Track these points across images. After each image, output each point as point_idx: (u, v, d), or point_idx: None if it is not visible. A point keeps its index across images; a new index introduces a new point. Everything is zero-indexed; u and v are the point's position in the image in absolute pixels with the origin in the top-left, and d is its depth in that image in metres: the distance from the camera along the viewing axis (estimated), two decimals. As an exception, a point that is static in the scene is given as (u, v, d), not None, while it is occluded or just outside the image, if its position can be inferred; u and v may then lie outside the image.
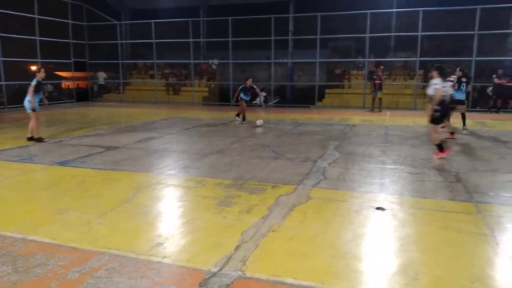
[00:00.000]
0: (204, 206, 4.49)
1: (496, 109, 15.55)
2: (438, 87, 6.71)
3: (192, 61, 20.42)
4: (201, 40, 21.78)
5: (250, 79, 12.23)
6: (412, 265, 3.10)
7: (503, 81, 14.58)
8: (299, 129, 10.74)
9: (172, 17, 20.05)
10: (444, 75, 7.01)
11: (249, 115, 12.53)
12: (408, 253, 3.32)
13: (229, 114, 15.15)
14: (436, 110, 6.79)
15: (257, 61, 19.91)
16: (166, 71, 21.66)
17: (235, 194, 4.89)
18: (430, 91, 6.94)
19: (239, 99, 12.11)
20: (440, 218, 4.14)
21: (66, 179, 5.66)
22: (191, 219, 4.09)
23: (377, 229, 3.88)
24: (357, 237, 3.65)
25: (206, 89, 21.08)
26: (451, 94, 7.29)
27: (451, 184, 5.39)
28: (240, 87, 12.24)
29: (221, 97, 20.86)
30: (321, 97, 19.08)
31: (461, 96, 10.04)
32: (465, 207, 4.45)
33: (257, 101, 19.39)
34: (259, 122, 11.35)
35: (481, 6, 15.85)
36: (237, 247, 3.38)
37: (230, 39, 19.13)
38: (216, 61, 21.22)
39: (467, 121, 10.62)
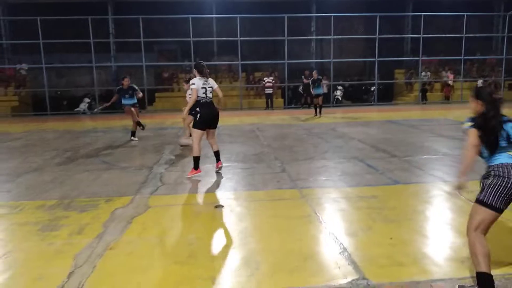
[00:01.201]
0: (23, 234, 3.84)
1: (307, 105, 17.96)
2: (194, 87, 5.77)
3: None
4: (3, 42, 18.76)
5: (127, 78, 9.77)
6: (253, 256, 3.27)
7: (308, 81, 16.87)
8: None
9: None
10: (204, 74, 5.92)
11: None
12: (247, 245, 3.50)
13: (47, 124, 13.50)
14: (196, 112, 5.87)
15: (75, 65, 18.21)
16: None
17: (62, 215, 4.33)
18: (188, 93, 6.16)
19: (124, 107, 9.68)
20: (270, 207, 4.50)
21: None
22: (5, 253, 3.43)
23: (217, 228, 3.97)
24: (199, 239, 3.67)
25: (16, 98, 18.26)
26: (211, 92, 5.94)
27: (277, 174, 5.93)
28: (116, 89, 9.88)
29: (36, 107, 18.41)
30: (152, 101, 18.73)
31: (319, 91, 14.05)
32: (291, 194, 4.96)
33: (80, 108, 17.81)
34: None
35: (287, 15, 18.01)
36: (70, 274, 2.99)
37: (40, 41, 16.98)
38: (25, 66, 18.56)
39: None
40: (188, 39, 17.86)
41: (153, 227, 3.96)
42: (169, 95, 19.08)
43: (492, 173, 2.69)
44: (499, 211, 2.65)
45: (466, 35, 19.06)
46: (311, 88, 14.41)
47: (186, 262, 3.18)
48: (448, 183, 5.19)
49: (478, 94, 2.85)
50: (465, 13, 18.75)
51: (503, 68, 19.94)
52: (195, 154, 5.83)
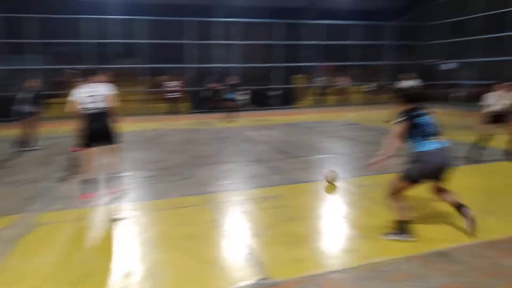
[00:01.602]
0: None
1: (213, 109, 17.98)
2: (75, 98, 5.03)
3: None
4: None
5: (36, 80, 8.66)
6: (156, 266, 3.15)
7: (214, 85, 16.94)
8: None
9: None
10: (94, 80, 5.15)
11: None
12: (151, 256, 3.35)
13: None
14: (81, 129, 4.93)
15: None
16: None
17: None
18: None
19: (26, 116, 8.58)
20: (175, 215, 4.38)
21: None
22: None
23: (117, 242, 3.74)
24: (96, 256, 3.42)
25: None
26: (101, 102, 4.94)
27: (182, 181, 5.80)
28: (21, 94, 8.53)
29: None
30: (45, 107, 17.10)
31: (232, 96, 14.57)
32: (196, 200, 4.88)
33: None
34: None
35: (190, 19, 17.92)
36: None
37: None
38: None
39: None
40: (88, 41, 16.74)
41: (42, 247, 3.58)
42: (64, 101, 17.57)
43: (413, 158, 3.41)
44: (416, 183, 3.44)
45: (358, 42, 20.91)
46: (225, 93, 14.79)
47: (80, 282, 2.94)
48: (342, 179, 5.59)
49: (402, 95, 3.51)
50: (358, 22, 20.57)
51: (390, 73, 22.22)
52: (88, 176, 4.94)
